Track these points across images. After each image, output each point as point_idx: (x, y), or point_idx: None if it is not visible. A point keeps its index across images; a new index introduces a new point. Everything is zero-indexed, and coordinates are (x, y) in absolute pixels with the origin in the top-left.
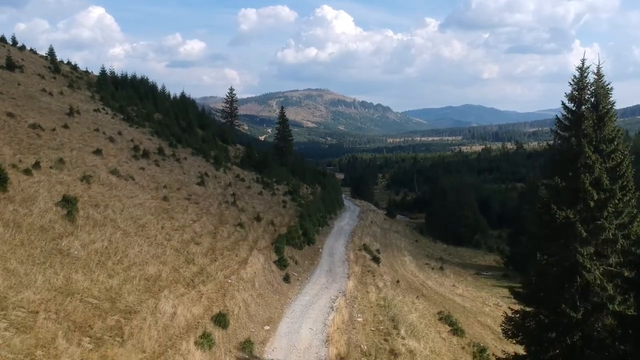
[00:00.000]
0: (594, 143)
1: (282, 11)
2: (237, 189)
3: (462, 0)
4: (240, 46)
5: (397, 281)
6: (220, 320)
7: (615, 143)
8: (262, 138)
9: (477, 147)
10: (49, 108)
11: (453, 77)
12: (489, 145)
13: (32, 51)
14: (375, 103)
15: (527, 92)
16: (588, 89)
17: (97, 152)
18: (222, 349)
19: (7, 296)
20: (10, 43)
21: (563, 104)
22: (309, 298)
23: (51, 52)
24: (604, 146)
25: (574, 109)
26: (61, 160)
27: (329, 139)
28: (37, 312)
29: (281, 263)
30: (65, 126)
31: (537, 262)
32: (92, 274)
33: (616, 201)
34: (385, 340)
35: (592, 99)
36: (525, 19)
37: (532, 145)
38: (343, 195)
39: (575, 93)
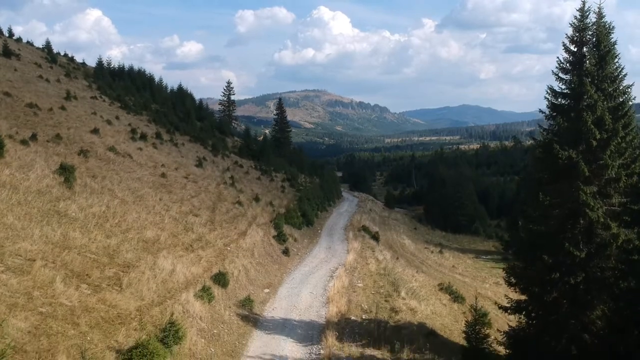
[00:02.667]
0: (596, 82)
1: (280, 12)
2: (235, 173)
3: (459, 0)
4: (238, 48)
5: (397, 258)
6: (220, 279)
7: (618, 82)
8: (259, 138)
9: (475, 146)
10: (46, 92)
11: (450, 77)
12: (487, 143)
13: (29, 43)
14: (372, 104)
15: (525, 91)
16: (589, 30)
17: (95, 131)
18: (221, 305)
19: (3, 245)
20: (7, 35)
21: (564, 45)
22: (308, 269)
23: (48, 45)
24: (607, 85)
25: (574, 50)
26: (58, 136)
27: (326, 139)
28: (34, 260)
29: (280, 238)
30: (62, 107)
31: (539, 204)
32: (90, 233)
33: (619, 140)
34: (386, 300)
35: (594, 39)
36: (522, 19)
37: (530, 143)
38: (341, 189)
39: (576, 34)
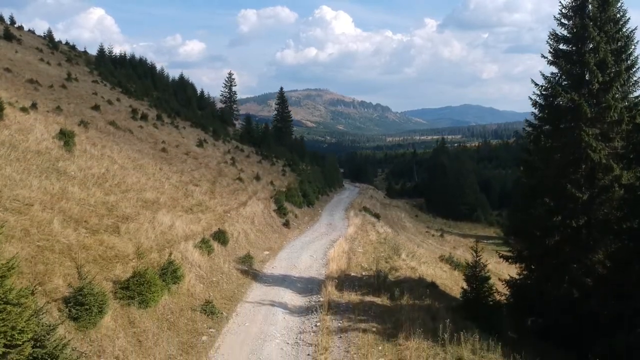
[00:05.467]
0: (598, 24)
1: (282, 12)
2: (237, 156)
3: (461, 0)
4: (240, 47)
5: (398, 234)
6: (220, 236)
7: (621, 24)
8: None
9: (477, 144)
10: (47, 72)
11: (452, 77)
12: (489, 141)
13: (31, 31)
14: (374, 103)
15: (526, 91)
16: None
17: (95, 107)
18: (221, 259)
19: (1, 191)
20: (9, 23)
21: None
22: (309, 239)
23: (50, 34)
24: (609, 27)
25: None
26: (58, 108)
27: (328, 138)
28: (32, 205)
29: (281, 211)
30: (63, 86)
31: (540, 149)
32: (89, 190)
33: (622, 82)
34: (387, 262)
35: None
36: (524, 18)
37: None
38: (343, 182)
39: None
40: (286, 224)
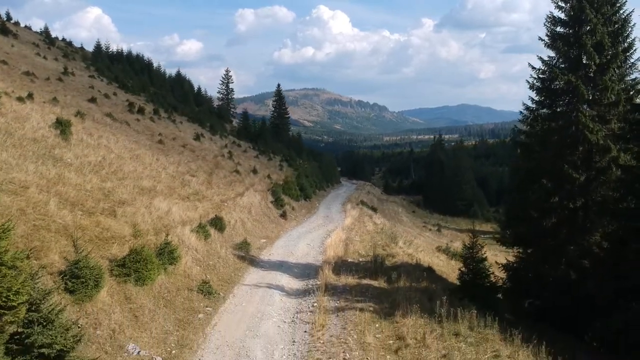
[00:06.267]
0: (595, 6)
1: (280, 11)
2: (234, 150)
3: (458, 0)
4: (237, 47)
5: (394, 227)
6: (217, 223)
7: (618, 6)
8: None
9: (474, 142)
10: (44, 66)
11: (449, 77)
12: (486, 139)
13: (27, 27)
14: (371, 103)
15: (524, 91)
16: None
17: (92, 100)
18: (217, 244)
19: None
20: (5, 18)
21: None
22: (306, 229)
23: (46, 30)
24: (606, 9)
25: None
26: (55, 99)
27: (325, 137)
28: (28, 187)
29: (278, 203)
30: (60, 79)
31: (537, 131)
32: (85, 176)
33: (619, 63)
34: (384, 249)
35: None
36: (522, 18)
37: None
38: (340, 179)
39: None
40: (283, 215)
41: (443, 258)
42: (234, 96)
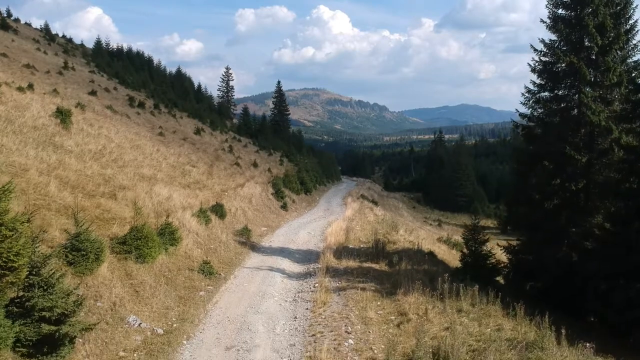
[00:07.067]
0: None
1: (280, 11)
2: (234, 145)
3: (458, 0)
4: (238, 46)
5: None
6: (218, 210)
7: None
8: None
9: (474, 142)
10: (44, 60)
11: (449, 77)
12: (486, 139)
13: (27, 24)
14: (372, 102)
15: (524, 91)
16: None
17: (92, 93)
18: (218, 230)
19: None
20: (5, 15)
21: None
22: (306, 220)
23: (46, 26)
24: None
25: None
26: (55, 91)
27: (325, 137)
28: (28, 170)
29: (278, 195)
30: (60, 73)
31: (539, 114)
32: (86, 163)
33: (621, 45)
34: (385, 237)
35: None
36: (522, 18)
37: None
38: (340, 176)
39: None
40: (284, 207)
41: (444, 248)
42: (234, 96)
